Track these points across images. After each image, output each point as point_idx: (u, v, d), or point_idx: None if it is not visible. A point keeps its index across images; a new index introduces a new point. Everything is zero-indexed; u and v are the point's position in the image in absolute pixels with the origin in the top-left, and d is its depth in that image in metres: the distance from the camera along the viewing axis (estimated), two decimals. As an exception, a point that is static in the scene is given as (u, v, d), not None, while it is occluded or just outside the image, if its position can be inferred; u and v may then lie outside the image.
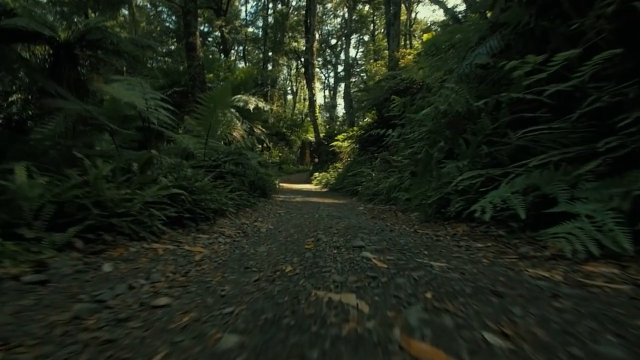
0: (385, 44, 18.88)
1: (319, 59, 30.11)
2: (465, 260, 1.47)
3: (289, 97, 36.32)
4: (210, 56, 18.41)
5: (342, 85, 28.40)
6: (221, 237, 2.40)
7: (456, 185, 2.64)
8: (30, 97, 6.07)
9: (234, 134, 7.96)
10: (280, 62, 30.52)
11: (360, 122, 14.35)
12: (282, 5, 27.40)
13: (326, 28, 32.05)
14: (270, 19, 27.58)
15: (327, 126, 25.73)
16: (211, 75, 13.26)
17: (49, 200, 1.63)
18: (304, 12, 21.01)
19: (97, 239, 1.73)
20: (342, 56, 30.80)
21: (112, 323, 1.01)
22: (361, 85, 23.06)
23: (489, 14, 3.90)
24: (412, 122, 4.78)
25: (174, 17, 23.91)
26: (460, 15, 6.43)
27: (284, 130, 23.68)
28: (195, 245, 2.06)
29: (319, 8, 26.65)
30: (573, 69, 2.12)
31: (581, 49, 1.87)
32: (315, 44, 20.28)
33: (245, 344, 0.80)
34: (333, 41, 32.45)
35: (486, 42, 3.16)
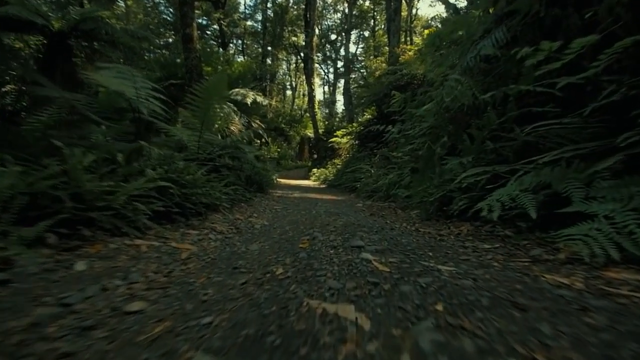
0: (386, 40, 18.68)
1: (319, 54, 29.80)
2: (474, 264, 1.34)
3: (288, 92, 36.05)
4: (208, 49, 18.12)
5: (342, 81, 28.10)
6: (212, 233, 2.28)
7: (460, 183, 2.52)
8: (24, 87, 5.90)
9: (232, 127, 7.80)
10: (280, 56, 30.20)
11: (360, 119, 14.21)
12: (281, -1, 27.04)
13: (326, 23, 31.73)
14: (269, 13, 27.22)
15: (327, 122, 25.53)
16: (209, 68, 13.03)
17: (20, 191, 1.49)
18: (303, 6, 20.70)
19: (73, 234, 1.59)
20: (342, 52, 30.57)
21: (75, 332, 0.88)
22: (361, 82, 22.87)
23: (491, 11, 3.75)
24: (413, 118, 4.65)
25: (171, 10, 23.50)
26: (462, 12, 6.29)
27: (283, 125, 23.46)
28: (183, 242, 1.92)
29: (319, 2, 26.36)
30: (586, 60, 2.00)
31: (600, 36, 1.73)
32: (315, 39, 20.03)
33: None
34: (333, 36, 32.15)
35: (491, 34, 3.03)
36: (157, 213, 2.17)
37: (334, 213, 3.33)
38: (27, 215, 1.48)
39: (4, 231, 1.34)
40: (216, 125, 5.77)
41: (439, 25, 11.30)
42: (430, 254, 1.55)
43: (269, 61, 27.24)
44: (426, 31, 11.92)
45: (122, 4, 21.12)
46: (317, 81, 26.73)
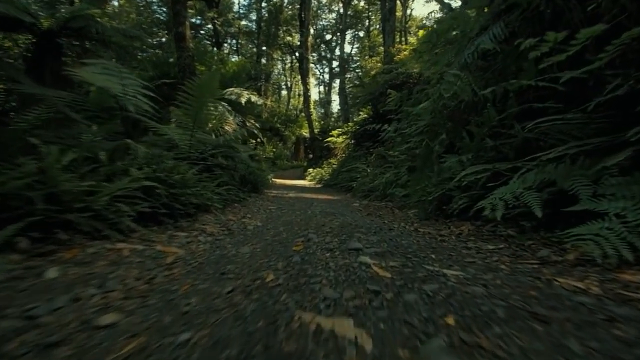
0: (381, 40, 18.64)
1: (314, 54, 29.72)
2: (481, 267, 1.25)
3: (283, 92, 35.87)
4: (202, 49, 17.91)
5: (337, 81, 28.01)
6: (202, 235, 2.16)
7: (459, 181, 2.44)
8: (12, 87, 5.73)
9: (226, 127, 7.66)
10: (275, 56, 30.03)
11: (355, 118, 14.15)
12: (276, -2, 26.87)
13: (321, 23, 31.60)
14: (264, 12, 27.03)
15: (322, 122, 25.46)
16: (203, 67, 12.86)
17: (-12, 193, 1.37)
18: (298, 5, 20.58)
19: (48, 238, 1.47)
20: (337, 52, 30.46)
21: (37, 349, 0.78)
22: (356, 81, 22.80)
23: (486, 10, 3.67)
24: (409, 116, 4.57)
25: (164, 9, 23.21)
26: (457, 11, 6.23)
27: (278, 125, 23.33)
28: (170, 245, 1.81)
29: (314, 2, 26.26)
30: (589, 53, 1.93)
31: (608, 25, 1.66)
32: (310, 39, 19.92)
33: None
34: (328, 36, 32.03)
35: (489, 30, 2.96)
36: (143, 214, 2.05)
37: (329, 213, 3.23)
38: (-3, 218, 1.36)
39: (-33, 236, 1.22)
40: (210, 125, 5.65)
41: (433, 24, 11.26)
42: (433, 256, 1.45)
43: (263, 61, 27.05)
44: (421, 31, 11.89)
45: (114, 2, 20.83)
46: (312, 81, 26.64)
